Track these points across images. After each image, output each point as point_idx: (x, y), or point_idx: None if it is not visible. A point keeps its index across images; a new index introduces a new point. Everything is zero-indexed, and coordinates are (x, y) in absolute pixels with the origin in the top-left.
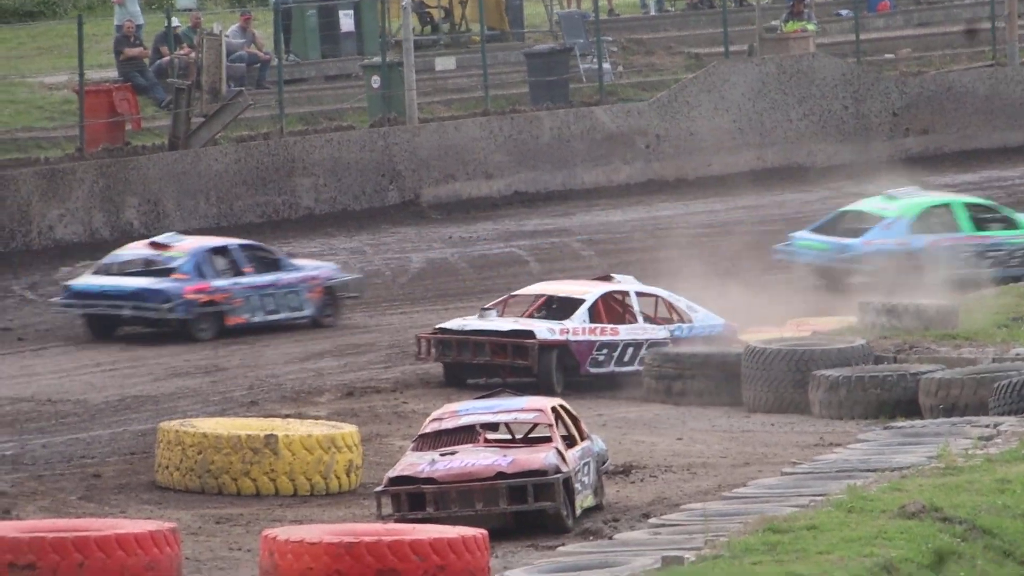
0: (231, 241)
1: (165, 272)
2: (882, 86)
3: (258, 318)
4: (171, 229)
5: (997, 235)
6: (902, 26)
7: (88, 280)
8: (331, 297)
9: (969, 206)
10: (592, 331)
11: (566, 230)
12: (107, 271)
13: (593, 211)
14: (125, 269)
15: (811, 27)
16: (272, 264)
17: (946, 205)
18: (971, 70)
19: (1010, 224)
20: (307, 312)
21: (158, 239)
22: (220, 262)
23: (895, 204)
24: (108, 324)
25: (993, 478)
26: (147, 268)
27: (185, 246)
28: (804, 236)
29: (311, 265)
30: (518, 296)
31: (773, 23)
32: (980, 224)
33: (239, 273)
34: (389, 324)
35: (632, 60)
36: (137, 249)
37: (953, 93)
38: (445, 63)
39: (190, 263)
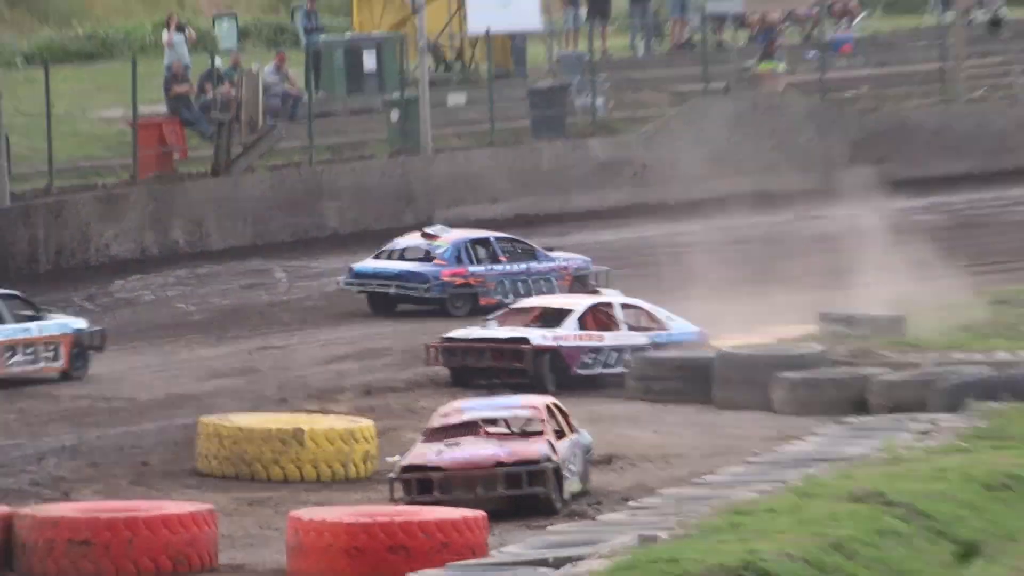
0: (492, 234)
1: (430, 258)
2: (843, 121)
3: (509, 299)
4: (212, 248)
5: None
6: (862, 66)
7: (366, 263)
8: (581, 284)
9: None
10: (581, 338)
11: (562, 248)
12: (387, 256)
13: (586, 231)
14: (401, 255)
15: (781, 67)
16: (528, 254)
17: None
18: (922, 107)
19: None
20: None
21: (429, 230)
22: (480, 251)
23: None
24: (386, 303)
25: (931, 467)
26: (420, 255)
27: (450, 237)
28: None
29: (564, 256)
30: (516, 308)
31: (748, 63)
32: None
33: (496, 261)
34: (404, 330)
35: (622, 96)
36: (412, 239)
37: (906, 127)
38: (456, 99)
39: (451, 251)
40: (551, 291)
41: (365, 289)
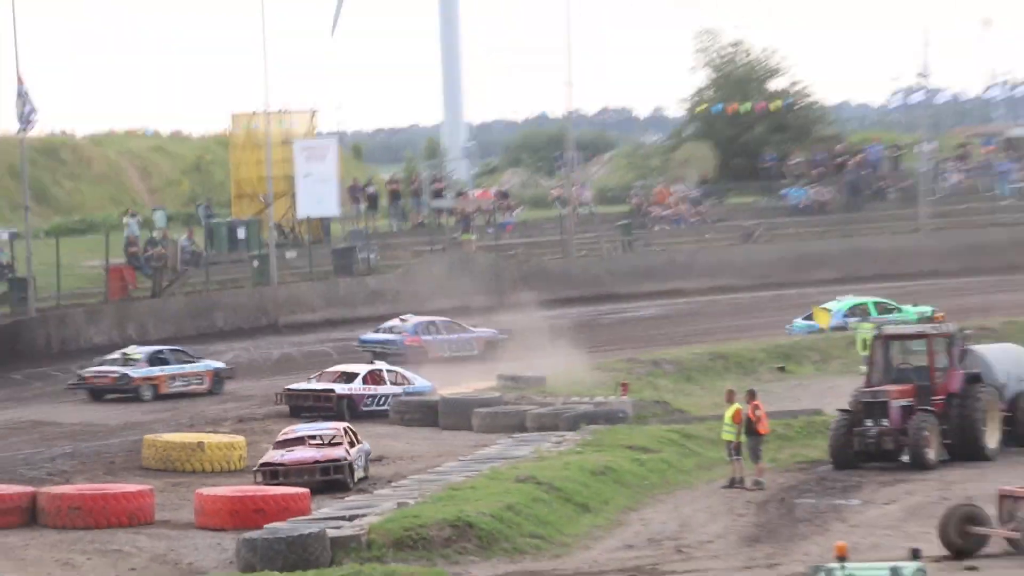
0: (438, 318)
1: (400, 332)
2: (509, 267)
3: (447, 355)
4: (150, 338)
5: (889, 317)
6: (519, 237)
7: (368, 335)
8: (492, 346)
9: (876, 303)
10: (364, 389)
11: (351, 338)
12: (381, 331)
13: (366, 329)
14: (390, 330)
15: (474, 237)
16: (459, 329)
17: (864, 303)
18: (552, 260)
19: (899, 311)
20: (475, 353)
21: (403, 316)
22: (431, 327)
23: (836, 304)
24: (377, 356)
25: (562, 462)
26: (395, 330)
27: (413, 320)
28: (796, 320)
29: (481, 330)
30: (327, 371)
31: (455, 235)
32: (882, 311)
33: (439, 333)
34: (262, 385)
35: (385, 253)
36: (393, 322)
37: (544, 271)
38: (291, 254)
39: (412, 327)
40: (471, 350)
41: (367, 349)
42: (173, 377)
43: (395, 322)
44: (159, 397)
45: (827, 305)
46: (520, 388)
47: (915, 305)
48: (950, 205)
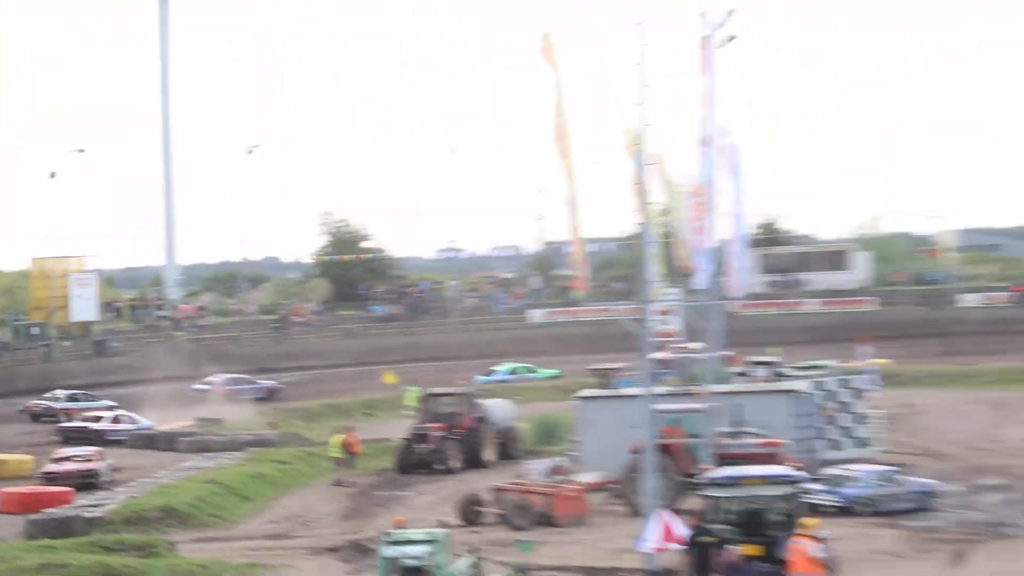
0: (238, 375)
1: (212, 384)
2: (203, 352)
3: (244, 397)
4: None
5: (528, 375)
6: (211, 333)
7: (196, 384)
8: (273, 391)
9: (526, 367)
10: (109, 426)
11: (104, 395)
12: (202, 383)
13: (115, 390)
14: (206, 382)
15: (182, 333)
16: (251, 381)
17: (517, 367)
18: (231, 347)
19: (537, 371)
20: (264, 396)
21: (216, 375)
22: (234, 380)
23: (502, 366)
24: (199, 399)
25: (233, 470)
26: (211, 383)
27: (221, 376)
28: (478, 376)
29: (266, 381)
30: (91, 416)
31: (171, 332)
32: (529, 371)
33: (238, 384)
34: (45, 423)
35: (127, 343)
36: (210, 378)
37: (226, 354)
38: (67, 344)
39: (221, 381)
40: (261, 395)
41: (196, 392)
42: (81, 409)
43: (212, 378)
44: (71, 420)
45: (495, 367)
46: (209, 425)
47: (547, 369)
48: (469, 317)
